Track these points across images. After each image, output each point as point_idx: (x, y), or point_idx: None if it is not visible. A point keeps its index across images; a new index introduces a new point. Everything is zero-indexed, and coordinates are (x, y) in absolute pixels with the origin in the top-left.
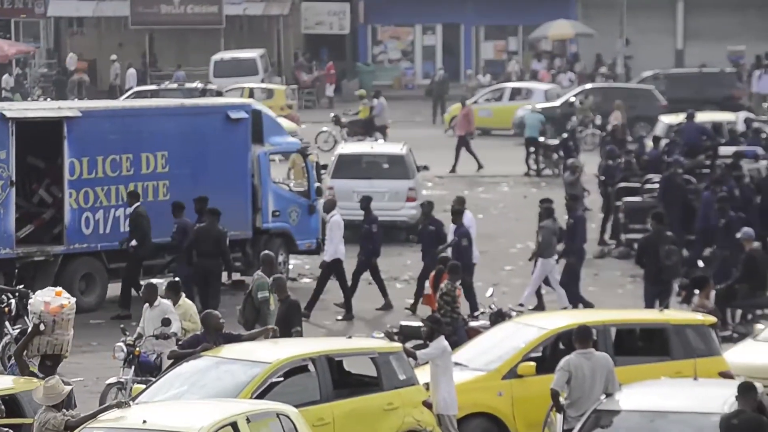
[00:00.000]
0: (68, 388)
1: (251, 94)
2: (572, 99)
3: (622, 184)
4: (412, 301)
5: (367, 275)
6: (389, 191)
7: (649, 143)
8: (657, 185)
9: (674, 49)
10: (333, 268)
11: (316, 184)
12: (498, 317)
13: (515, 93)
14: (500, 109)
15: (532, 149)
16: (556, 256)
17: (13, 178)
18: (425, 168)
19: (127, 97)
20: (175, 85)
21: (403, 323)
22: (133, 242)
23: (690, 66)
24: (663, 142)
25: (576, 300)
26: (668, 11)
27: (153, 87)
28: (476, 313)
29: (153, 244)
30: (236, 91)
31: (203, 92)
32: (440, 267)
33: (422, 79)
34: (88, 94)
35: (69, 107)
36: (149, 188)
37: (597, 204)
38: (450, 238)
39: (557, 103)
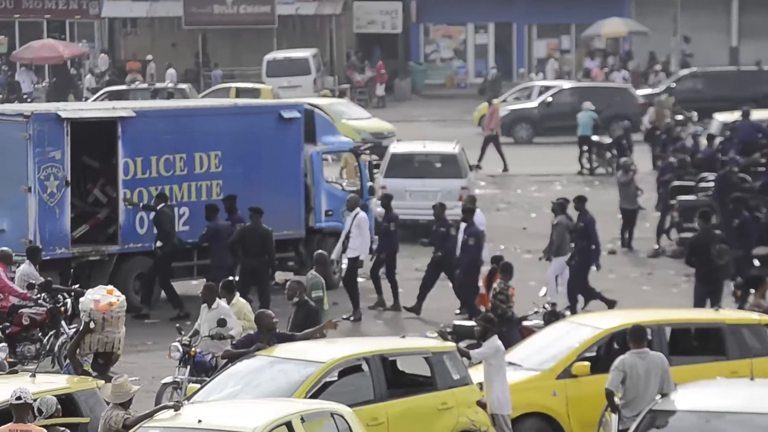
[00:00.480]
0: (136, 387)
1: (238, 93)
2: (549, 99)
3: (677, 183)
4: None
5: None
6: (442, 190)
7: (703, 141)
8: (712, 184)
9: (729, 47)
10: (355, 266)
11: (369, 183)
12: (552, 316)
13: (543, 91)
14: None
15: (585, 148)
16: (567, 256)
17: (69, 178)
18: (477, 167)
19: (96, 99)
20: (145, 85)
21: (457, 323)
22: (158, 243)
23: (746, 64)
24: (717, 140)
25: (574, 300)
26: (723, 8)
27: (123, 87)
28: (529, 313)
29: (180, 241)
30: (223, 90)
31: (155, 93)
32: (493, 266)
33: (474, 77)
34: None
35: (123, 107)
36: (203, 188)
37: (651, 202)
38: (460, 236)
39: (535, 103)
